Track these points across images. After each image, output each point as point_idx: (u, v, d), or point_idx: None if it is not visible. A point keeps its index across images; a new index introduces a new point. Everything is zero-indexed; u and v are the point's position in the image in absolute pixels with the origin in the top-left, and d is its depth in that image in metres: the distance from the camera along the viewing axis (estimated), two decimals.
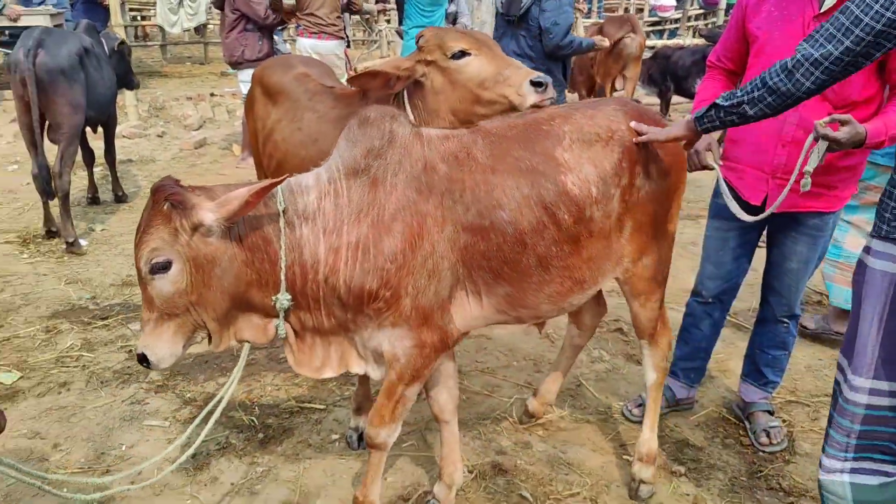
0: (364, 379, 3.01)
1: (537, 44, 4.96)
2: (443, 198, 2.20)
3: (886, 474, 2.10)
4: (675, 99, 10.27)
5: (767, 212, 2.60)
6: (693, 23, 17.39)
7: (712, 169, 2.83)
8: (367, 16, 10.26)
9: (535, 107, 2.69)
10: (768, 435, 3.13)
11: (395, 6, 10.04)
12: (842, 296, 3.96)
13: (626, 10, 19.28)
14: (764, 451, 3.12)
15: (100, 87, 5.61)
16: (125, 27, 10.80)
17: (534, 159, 2.33)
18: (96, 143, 6.28)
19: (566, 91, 5.52)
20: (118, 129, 7.17)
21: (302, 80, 3.38)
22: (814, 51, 2.02)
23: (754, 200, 2.81)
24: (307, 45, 6.60)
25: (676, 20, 17.29)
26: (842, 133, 2.30)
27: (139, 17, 15.54)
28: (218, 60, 12.40)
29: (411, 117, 2.86)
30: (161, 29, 13.43)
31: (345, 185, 2.17)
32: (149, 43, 14.77)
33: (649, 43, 11.01)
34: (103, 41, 6.04)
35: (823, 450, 2.23)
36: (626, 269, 2.60)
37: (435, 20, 7.82)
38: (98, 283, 4.71)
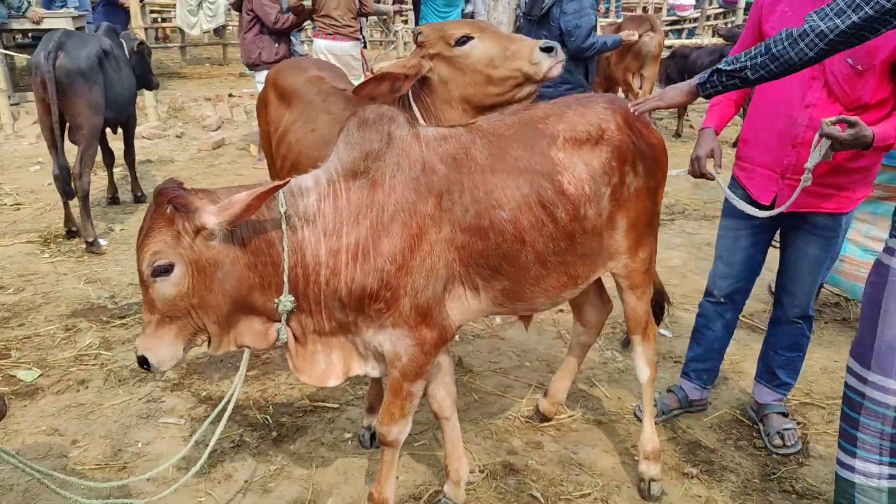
0: (376, 378, 3.03)
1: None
2: (441, 199, 2.23)
3: None
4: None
5: (777, 210, 2.60)
6: (712, 22, 17.26)
7: (712, 179, 2.85)
8: (384, 17, 10.29)
9: (546, 78, 2.76)
10: (782, 437, 3.11)
11: (411, 6, 10.07)
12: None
13: (645, 9, 19.17)
14: (777, 454, 3.10)
15: (119, 88, 5.68)
16: (145, 29, 10.92)
17: (532, 159, 2.36)
18: (116, 143, 6.36)
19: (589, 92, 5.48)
20: (138, 129, 7.26)
21: (316, 83, 3.42)
22: (821, 23, 2.09)
23: (764, 200, 2.80)
24: (323, 47, 6.65)
25: (695, 19, 17.17)
26: (844, 134, 2.30)
27: (160, 19, 15.70)
28: (236, 61, 12.48)
29: (418, 115, 2.89)
30: (181, 31, 13.56)
31: (344, 187, 2.19)
32: (169, 45, 14.91)
33: (667, 42, 10.95)
34: (123, 43, 6.10)
35: (846, 450, 2.22)
36: (626, 264, 2.65)
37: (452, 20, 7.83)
38: (117, 282, 4.77)
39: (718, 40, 10.84)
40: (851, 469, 2.24)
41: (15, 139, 8.62)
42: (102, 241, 5.37)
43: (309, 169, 2.29)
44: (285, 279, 2.13)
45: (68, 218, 5.53)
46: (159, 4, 14.87)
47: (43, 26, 8.95)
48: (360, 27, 7.28)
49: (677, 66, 9.93)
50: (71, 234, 5.54)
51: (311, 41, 8.58)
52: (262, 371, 3.69)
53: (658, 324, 3.08)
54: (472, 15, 9.11)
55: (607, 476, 2.96)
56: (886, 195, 3.91)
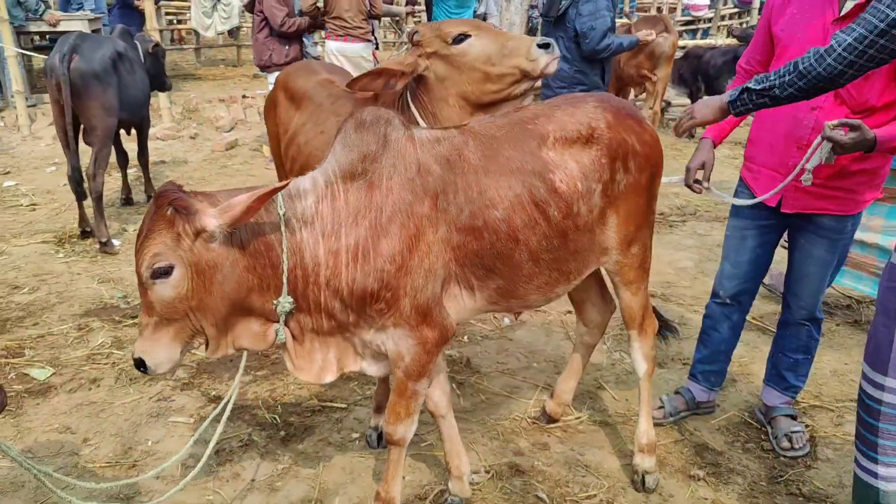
0: (384, 378, 3.05)
1: (574, 46, 4.94)
2: (437, 199, 2.25)
3: None
4: None
5: (759, 198, 2.69)
6: (726, 22, 17.17)
7: (697, 192, 2.89)
8: (397, 18, 10.31)
9: (543, 74, 2.81)
10: (790, 440, 3.10)
11: (424, 8, 10.09)
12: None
13: (659, 9, 19.10)
14: (785, 456, 3.09)
15: (133, 90, 5.74)
16: (160, 31, 11.01)
17: (523, 159, 2.38)
18: (130, 144, 6.42)
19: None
20: (152, 131, 7.33)
21: (326, 86, 3.45)
22: (847, 35, 2.08)
23: (770, 201, 2.80)
24: (334, 48, 6.67)
25: (709, 19, 17.09)
26: (846, 137, 2.29)
27: (175, 21, 15.82)
28: (250, 63, 12.53)
29: (416, 113, 2.92)
30: (195, 32, 13.66)
31: (342, 189, 2.21)
32: (184, 46, 15.03)
33: (681, 43, 10.91)
34: (138, 44, 6.16)
35: (868, 456, 2.22)
36: (617, 260, 2.68)
37: None
38: (129, 282, 4.82)
39: (732, 41, 10.77)
40: (874, 475, 2.24)
41: (32, 140, 8.73)
42: (116, 242, 5.43)
43: None
44: (284, 281, 2.14)
45: (82, 218, 5.60)
46: (175, 6, 15.01)
47: (59, 29, 9.06)
48: (372, 29, 7.30)
49: (690, 67, 9.90)
50: (85, 234, 5.61)
51: (324, 42, 8.61)
52: (272, 371, 3.72)
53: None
54: (484, 16, 9.13)
55: (613, 478, 2.96)
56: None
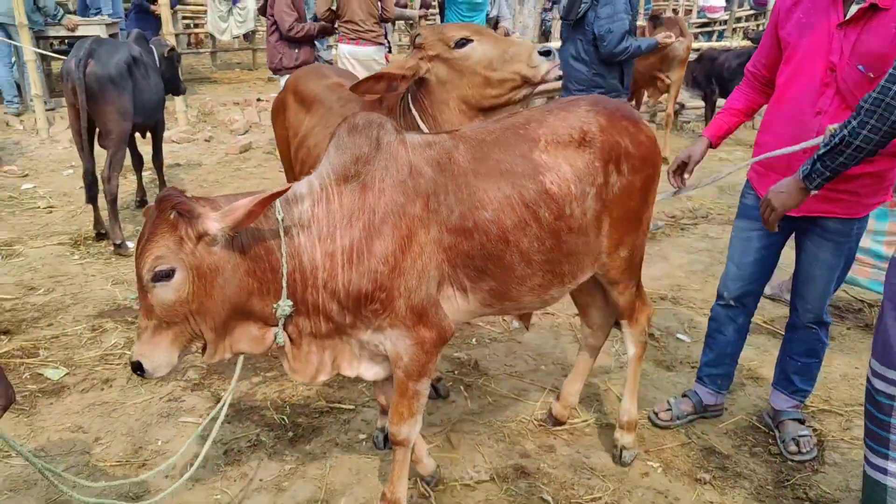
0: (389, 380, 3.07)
1: (592, 49, 4.95)
2: (428, 201, 2.28)
3: None
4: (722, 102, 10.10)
5: (706, 182, 2.79)
6: (743, 24, 17.08)
7: (676, 191, 2.97)
8: (411, 21, 10.36)
9: (544, 81, 2.83)
10: (797, 444, 3.09)
11: (437, 11, 10.13)
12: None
13: (675, 11, 19.03)
14: (792, 460, 3.08)
15: (147, 94, 5.80)
16: (177, 35, 11.12)
17: (513, 161, 2.41)
18: (145, 147, 6.50)
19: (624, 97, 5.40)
20: (167, 133, 7.39)
21: (335, 89, 3.49)
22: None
23: None
24: (346, 52, 6.71)
25: (725, 21, 16.99)
26: None
27: (192, 25, 15.96)
28: (265, 66, 12.63)
29: (416, 116, 2.96)
30: (211, 36, 13.78)
31: (336, 191, 2.24)
32: (200, 50, 15.16)
33: (695, 45, 10.86)
34: (153, 49, 6.23)
35: (878, 452, 2.22)
36: (604, 263, 2.71)
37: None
38: None
39: (746, 43, 10.71)
40: (884, 472, 2.23)
41: (50, 143, 8.84)
42: (130, 244, 5.48)
43: None
44: (284, 284, 2.17)
45: (97, 220, 5.67)
46: (191, 11, 15.15)
47: (78, 33, 9.18)
48: (385, 32, 7.33)
49: (704, 70, 9.84)
50: (100, 236, 5.67)
51: (337, 46, 8.66)
52: (280, 372, 3.75)
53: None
54: (496, 19, 9.16)
55: (618, 481, 2.96)
56: None
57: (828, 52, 2.56)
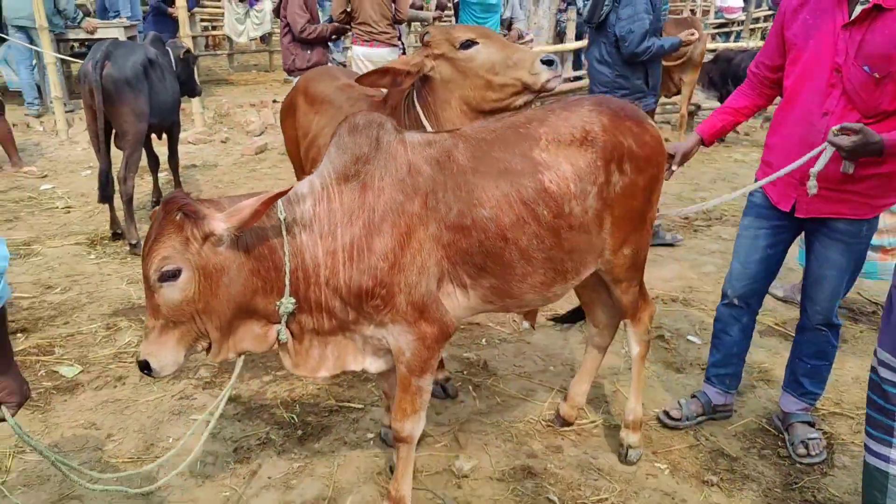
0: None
1: (614, 50, 4.97)
2: (427, 198, 2.30)
3: None
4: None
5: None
6: (761, 25, 16.95)
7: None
8: (425, 23, 10.38)
9: (544, 89, 2.86)
10: (806, 446, 3.07)
11: (452, 14, 10.16)
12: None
13: (693, 11, 18.91)
14: (801, 463, 3.06)
15: (163, 96, 5.87)
16: (194, 37, 11.22)
17: (512, 160, 2.43)
18: (161, 148, 6.57)
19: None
20: (184, 135, 7.48)
21: (345, 90, 3.53)
22: None
23: (783, 205, 2.80)
24: (360, 53, 6.74)
25: (742, 22, 16.88)
26: (846, 141, 2.28)
27: (209, 27, 16.10)
28: (282, 68, 12.75)
29: (420, 112, 3.00)
30: (229, 38, 13.89)
31: (336, 190, 2.28)
32: (217, 52, 15.29)
33: (711, 46, 10.80)
34: (169, 51, 6.30)
35: (880, 440, 2.21)
36: (608, 260, 2.71)
37: (489, 26, 7.86)
38: None
39: (762, 44, 10.62)
40: (886, 459, 2.22)
41: (69, 145, 8.96)
42: None
43: None
44: (287, 282, 2.20)
45: (114, 221, 5.74)
46: (209, 13, 15.28)
47: (97, 36, 9.30)
48: (399, 34, 7.35)
49: (720, 70, 9.78)
50: (116, 236, 5.75)
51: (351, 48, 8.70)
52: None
53: None
54: (510, 20, 9.16)
55: (625, 482, 2.96)
56: None
57: (833, 54, 2.55)
